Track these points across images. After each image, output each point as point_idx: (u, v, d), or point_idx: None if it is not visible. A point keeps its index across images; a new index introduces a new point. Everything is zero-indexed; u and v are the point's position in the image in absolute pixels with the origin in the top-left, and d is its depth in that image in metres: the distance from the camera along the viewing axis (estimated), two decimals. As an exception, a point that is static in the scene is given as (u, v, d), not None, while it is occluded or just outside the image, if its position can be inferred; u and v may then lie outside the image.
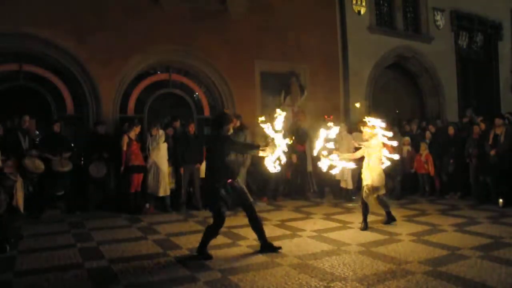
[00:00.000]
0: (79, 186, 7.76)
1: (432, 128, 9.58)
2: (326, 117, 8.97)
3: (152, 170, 7.60)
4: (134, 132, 7.61)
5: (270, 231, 5.91)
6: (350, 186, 8.54)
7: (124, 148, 7.43)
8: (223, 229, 5.89)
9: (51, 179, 7.24)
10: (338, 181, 9.14)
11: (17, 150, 6.53)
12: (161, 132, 7.77)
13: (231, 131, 4.98)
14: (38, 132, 8.15)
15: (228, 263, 4.39)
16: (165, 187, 7.64)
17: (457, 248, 4.78)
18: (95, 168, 7.62)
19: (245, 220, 6.67)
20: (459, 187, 8.73)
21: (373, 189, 5.97)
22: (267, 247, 4.84)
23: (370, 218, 6.67)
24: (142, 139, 7.95)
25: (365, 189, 5.99)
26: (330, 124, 5.75)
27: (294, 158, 8.74)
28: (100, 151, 7.66)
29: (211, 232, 4.69)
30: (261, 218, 5.17)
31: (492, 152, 7.64)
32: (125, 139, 7.47)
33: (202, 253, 4.62)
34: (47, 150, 7.18)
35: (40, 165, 6.69)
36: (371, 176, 5.94)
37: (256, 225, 4.88)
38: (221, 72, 9.63)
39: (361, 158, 6.22)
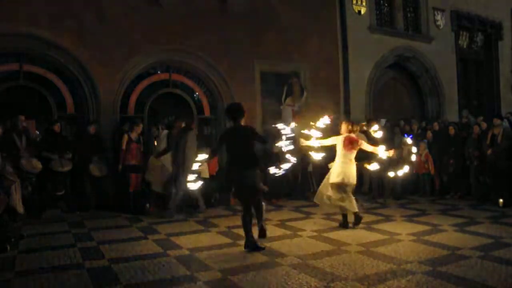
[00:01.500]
0: (79, 186, 7.75)
1: (436, 126, 9.56)
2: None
3: (159, 169, 7.58)
4: (135, 132, 7.61)
5: (270, 231, 5.92)
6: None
7: (123, 147, 7.43)
8: (222, 229, 5.94)
9: (51, 179, 7.24)
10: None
11: (13, 151, 6.51)
12: (165, 132, 7.76)
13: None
14: (38, 132, 8.15)
15: (228, 263, 4.38)
16: (169, 186, 7.62)
17: (457, 248, 4.78)
18: (96, 167, 7.62)
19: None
20: (459, 187, 8.73)
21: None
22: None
23: (370, 217, 6.68)
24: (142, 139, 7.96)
25: (350, 188, 5.98)
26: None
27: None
28: (93, 151, 7.64)
29: (246, 221, 4.90)
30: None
31: (489, 152, 7.65)
32: (125, 138, 7.48)
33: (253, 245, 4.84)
34: (47, 150, 7.18)
35: (37, 165, 6.67)
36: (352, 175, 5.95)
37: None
38: (221, 72, 9.63)
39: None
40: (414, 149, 7.90)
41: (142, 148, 7.79)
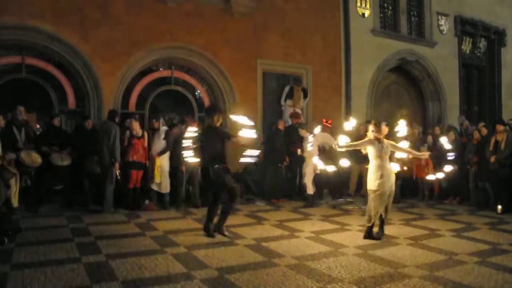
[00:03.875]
0: (77, 181, 7.73)
1: (437, 130, 9.54)
2: (324, 120, 8.99)
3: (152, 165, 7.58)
4: (136, 128, 7.58)
5: (268, 231, 5.93)
6: (310, 191, 8.23)
7: (125, 143, 7.42)
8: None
9: (50, 173, 7.23)
10: (338, 182, 9.15)
11: (13, 144, 6.48)
12: (163, 128, 7.76)
13: (220, 121, 5.70)
14: (39, 126, 8.14)
15: (225, 262, 4.38)
16: (165, 184, 7.64)
17: (454, 253, 4.78)
18: (91, 163, 7.57)
19: (243, 219, 6.73)
20: (458, 192, 8.73)
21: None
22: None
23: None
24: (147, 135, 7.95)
25: (388, 195, 5.52)
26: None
27: (287, 160, 8.81)
28: (91, 146, 7.61)
29: (212, 210, 5.53)
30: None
31: (492, 159, 7.63)
32: (127, 135, 7.46)
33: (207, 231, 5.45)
34: (46, 144, 7.17)
35: (37, 159, 6.64)
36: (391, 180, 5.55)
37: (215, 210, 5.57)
38: (223, 71, 9.63)
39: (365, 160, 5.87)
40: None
41: (145, 144, 7.75)
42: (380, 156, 5.49)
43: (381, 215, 5.52)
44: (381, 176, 5.40)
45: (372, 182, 5.48)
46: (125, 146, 7.42)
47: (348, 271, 4.11)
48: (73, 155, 7.46)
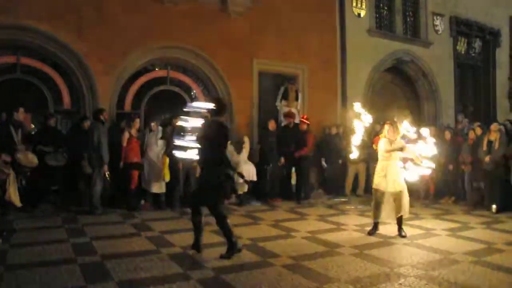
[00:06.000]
0: (73, 181, 7.69)
1: (432, 130, 9.55)
2: (302, 116, 9.10)
3: (148, 166, 7.57)
4: (134, 129, 7.57)
5: (264, 231, 5.94)
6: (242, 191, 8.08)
7: (124, 144, 7.39)
8: (215, 227, 5.91)
9: (45, 174, 7.19)
10: (336, 183, 9.16)
11: (9, 144, 6.45)
12: (159, 128, 7.75)
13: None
14: (34, 126, 8.09)
15: (221, 262, 4.38)
16: (160, 184, 7.61)
17: (450, 252, 4.80)
18: (83, 164, 7.52)
19: (239, 219, 6.73)
20: (454, 192, 8.76)
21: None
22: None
23: (364, 220, 6.70)
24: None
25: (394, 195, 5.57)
26: None
27: (282, 160, 8.78)
28: (87, 147, 7.54)
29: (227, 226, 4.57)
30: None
31: (487, 159, 7.66)
32: (126, 135, 7.43)
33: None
34: (41, 144, 7.13)
35: (34, 159, 6.63)
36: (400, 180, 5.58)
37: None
38: (219, 71, 9.61)
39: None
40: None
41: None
42: (387, 157, 5.56)
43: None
44: (384, 176, 5.54)
45: (374, 180, 5.69)
46: (124, 147, 7.39)
47: (344, 271, 4.12)
48: (68, 156, 7.42)
